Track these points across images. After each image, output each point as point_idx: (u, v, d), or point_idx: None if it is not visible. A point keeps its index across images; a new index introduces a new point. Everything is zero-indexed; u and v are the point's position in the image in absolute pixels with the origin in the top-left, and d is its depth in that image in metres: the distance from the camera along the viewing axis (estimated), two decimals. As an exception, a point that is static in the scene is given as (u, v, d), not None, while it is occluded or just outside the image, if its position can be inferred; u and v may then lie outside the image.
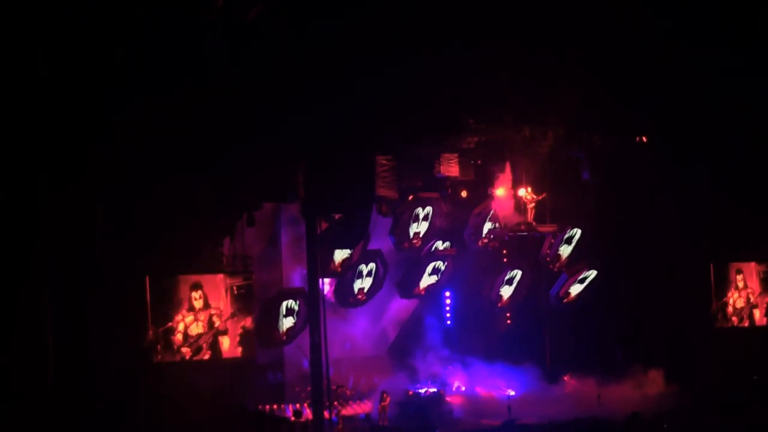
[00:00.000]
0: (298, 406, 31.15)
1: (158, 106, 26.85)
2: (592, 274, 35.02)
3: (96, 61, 25.98)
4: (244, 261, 30.85)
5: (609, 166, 33.78)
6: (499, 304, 35.37)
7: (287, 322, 31.17)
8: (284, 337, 31.30)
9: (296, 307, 31.04)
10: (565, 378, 34.40)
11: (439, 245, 34.52)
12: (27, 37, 25.57)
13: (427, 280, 34.23)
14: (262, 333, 30.84)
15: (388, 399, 30.44)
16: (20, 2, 25.35)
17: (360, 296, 33.11)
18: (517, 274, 35.26)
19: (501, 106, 30.64)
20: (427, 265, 34.08)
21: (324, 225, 30.11)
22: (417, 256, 34.37)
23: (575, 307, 35.27)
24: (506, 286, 35.28)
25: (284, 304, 31.06)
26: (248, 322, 29.84)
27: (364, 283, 32.98)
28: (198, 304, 29.41)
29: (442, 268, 34.15)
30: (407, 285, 34.32)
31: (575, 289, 35.18)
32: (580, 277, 34.97)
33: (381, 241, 33.83)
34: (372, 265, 32.96)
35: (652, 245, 35.04)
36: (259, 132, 28.00)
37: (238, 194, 29.38)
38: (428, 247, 34.30)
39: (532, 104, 30.53)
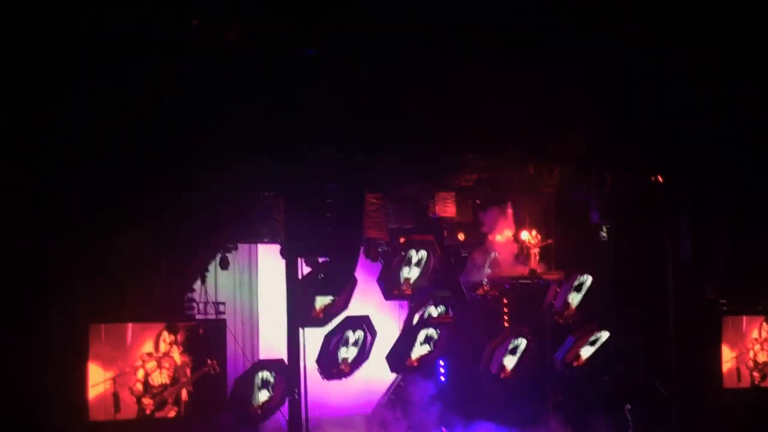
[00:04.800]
0: None
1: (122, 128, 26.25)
2: (604, 335, 34.00)
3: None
4: (216, 307, 30.02)
5: (621, 208, 33.01)
6: (502, 375, 33.86)
7: (262, 396, 29.69)
8: (260, 411, 29.91)
9: (272, 379, 29.64)
10: None
11: (432, 311, 33.34)
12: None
13: (419, 350, 32.75)
14: (236, 408, 29.63)
15: None
16: None
17: (344, 367, 31.68)
18: (522, 343, 33.77)
19: (503, 141, 29.78)
20: (419, 332, 32.71)
21: (306, 269, 29.82)
22: (407, 326, 33.29)
23: (585, 371, 34.35)
24: (509, 356, 33.83)
25: (259, 375, 29.70)
26: (215, 365, 28.75)
27: (348, 353, 31.58)
28: (164, 347, 28.46)
29: (436, 336, 32.69)
30: (397, 357, 32.85)
31: (586, 352, 34.16)
32: (591, 339, 34.00)
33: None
34: (359, 333, 31.62)
35: (664, 295, 34.04)
36: (236, 171, 27.34)
37: (210, 235, 28.80)
38: (421, 314, 33.30)
39: (538, 138, 29.83)
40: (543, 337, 34.75)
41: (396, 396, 34.30)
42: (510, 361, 33.93)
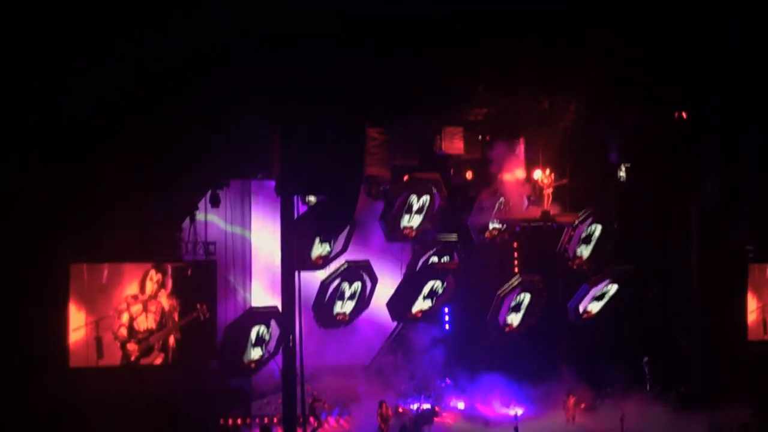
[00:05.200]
0: (266, 420, 30.18)
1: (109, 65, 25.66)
2: (613, 289, 33.43)
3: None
4: (206, 248, 29.29)
5: (641, 146, 32.04)
6: (507, 330, 33.34)
7: (255, 353, 29.39)
8: (252, 366, 29.57)
9: (267, 337, 29.30)
10: (575, 398, 32.24)
11: (436, 259, 32.68)
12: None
13: (421, 304, 32.26)
14: (226, 358, 29.24)
15: (389, 409, 29.14)
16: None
17: (340, 318, 31.25)
18: (525, 298, 33.26)
19: (516, 71, 28.96)
20: (424, 285, 32.09)
21: (302, 207, 29.17)
22: (411, 271, 32.57)
23: (595, 323, 33.69)
24: (513, 314, 33.33)
25: (254, 330, 29.26)
26: (204, 309, 28.38)
27: (345, 307, 31.12)
28: (150, 288, 28.04)
29: (440, 291, 32.13)
30: (399, 306, 32.35)
31: (595, 306, 33.61)
32: (599, 292, 33.37)
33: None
34: (357, 285, 31.08)
35: (687, 241, 33.42)
36: (227, 94, 26.47)
37: (201, 168, 27.99)
38: (424, 259, 32.59)
39: (553, 69, 28.97)
40: (555, 284, 34.07)
41: (397, 344, 33.39)
42: (515, 318, 33.41)
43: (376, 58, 26.37)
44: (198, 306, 28.24)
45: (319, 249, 30.40)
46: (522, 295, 33.28)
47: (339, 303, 31.04)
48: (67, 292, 27.11)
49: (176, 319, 28.08)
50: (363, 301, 31.46)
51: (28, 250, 26.26)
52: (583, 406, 31.82)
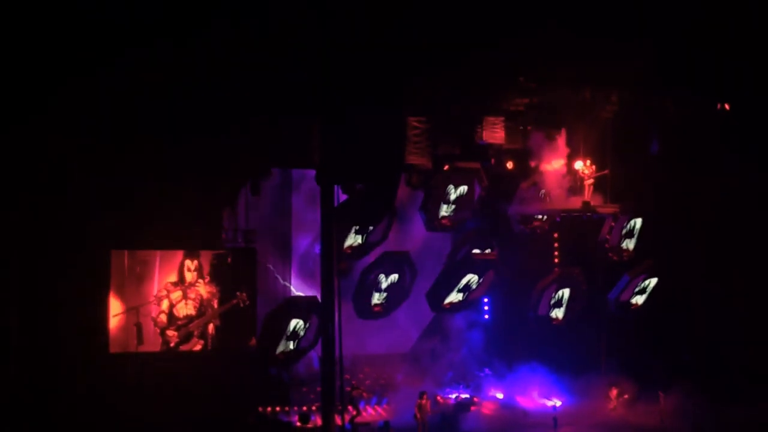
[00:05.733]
0: (305, 409, 30.15)
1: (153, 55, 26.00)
2: (653, 282, 33.42)
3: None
4: (246, 236, 29.62)
5: (684, 138, 31.79)
6: (554, 322, 33.41)
7: (288, 345, 29.51)
8: (281, 357, 29.70)
9: (302, 332, 29.42)
10: (617, 389, 32.29)
11: (477, 250, 32.69)
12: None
13: (453, 297, 32.33)
14: (261, 349, 29.42)
15: (428, 402, 28.83)
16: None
17: (377, 309, 31.41)
18: (564, 293, 33.33)
19: (558, 61, 28.68)
20: (462, 277, 32.09)
21: (343, 196, 28.48)
22: (451, 261, 32.69)
23: (641, 315, 33.67)
24: (556, 309, 33.35)
25: (292, 323, 29.37)
26: (244, 297, 28.64)
27: (380, 298, 31.24)
28: (190, 276, 28.36)
29: (474, 285, 32.18)
30: (436, 298, 32.44)
31: (639, 299, 33.62)
32: (640, 287, 33.36)
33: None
34: (394, 276, 31.13)
35: (725, 233, 33.33)
36: (268, 84, 27.01)
37: (242, 158, 28.29)
38: (463, 250, 32.75)
39: (596, 60, 28.64)
40: (595, 275, 33.94)
41: (435, 333, 33.54)
42: (558, 313, 33.39)
43: (418, 49, 26.40)
44: (238, 293, 28.46)
45: (351, 239, 30.45)
46: (561, 291, 33.36)
47: (376, 294, 31.14)
48: (108, 278, 27.43)
49: (215, 306, 28.37)
50: (402, 292, 31.53)
51: (70, 236, 26.58)
52: (626, 397, 31.72)
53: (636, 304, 33.45)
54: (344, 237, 30.10)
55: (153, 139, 26.73)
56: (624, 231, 33.33)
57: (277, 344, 29.29)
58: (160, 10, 25.24)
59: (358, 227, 30.13)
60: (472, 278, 31.97)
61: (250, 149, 27.87)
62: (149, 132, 26.63)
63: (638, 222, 33.34)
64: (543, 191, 32.59)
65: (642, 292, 33.42)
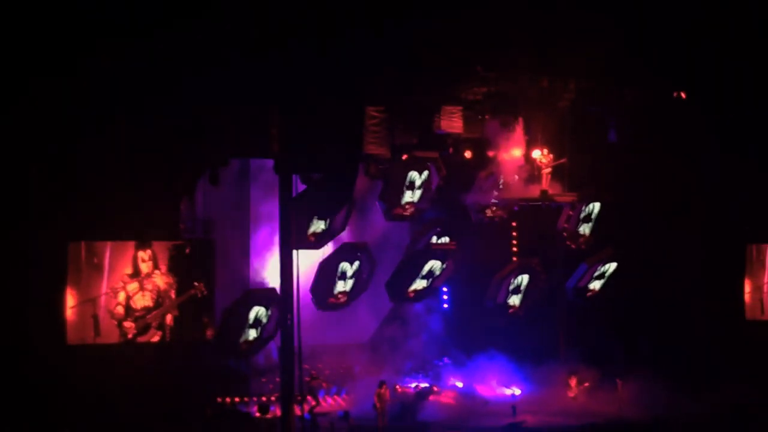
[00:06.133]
0: (264, 399, 30.33)
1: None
2: (612, 267, 33.76)
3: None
4: (204, 226, 29.88)
5: (640, 126, 32.35)
6: (510, 311, 33.72)
7: (251, 334, 29.58)
8: (244, 347, 29.75)
9: (264, 319, 29.54)
10: (577, 377, 32.72)
11: (435, 239, 33.15)
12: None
13: (418, 284, 32.56)
14: (222, 341, 29.46)
15: (387, 391, 29.03)
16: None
17: (341, 298, 31.47)
18: (523, 280, 33.64)
19: (515, 51, 29.29)
20: (423, 264, 32.33)
21: (301, 186, 28.95)
22: (411, 251, 33.06)
23: (599, 301, 34.05)
24: (514, 296, 33.73)
25: (253, 311, 29.46)
26: (201, 287, 28.70)
27: (346, 286, 31.35)
28: (145, 267, 28.42)
29: (438, 272, 32.44)
30: (398, 286, 32.69)
31: (597, 285, 33.98)
32: (599, 272, 33.72)
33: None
34: (356, 265, 31.30)
35: (683, 221, 33.98)
36: (227, 74, 27.00)
37: (201, 147, 28.36)
38: (423, 240, 33.17)
39: (553, 50, 29.32)
40: (554, 264, 34.38)
41: (394, 323, 33.66)
42: (515, 300, 33.67)
43: (375, 37, 26.64)
44: (195, 284, 28.50)
45: (314, 226, 30.49)
46: (520, 277, 33.61)
47: (340, 283, 31.21)
48: (65, 270, 27.44)
49: (173, 297, 28.40)
50: (361, 282, 31.68)
51: (27, 229, 26.66)
52: (586, 385, 32.18)
53: (593, 289, 33.74)
54: (307, 225, 30.07)
55: (110, 129, 26.82)
56: (582, 215, 33.65)
57: (240, 334, 29.33)
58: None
59: (318, 215, 30.23)
60: (435, 264, 32.21)
61: (209, 139, 27.84)
62: (109, 125, 26.74)
63: (596, 207, 33.62)
64: (501, 180, 32.79)
65: (600, 277, 33.74)
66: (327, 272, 31.03)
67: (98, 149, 27.04)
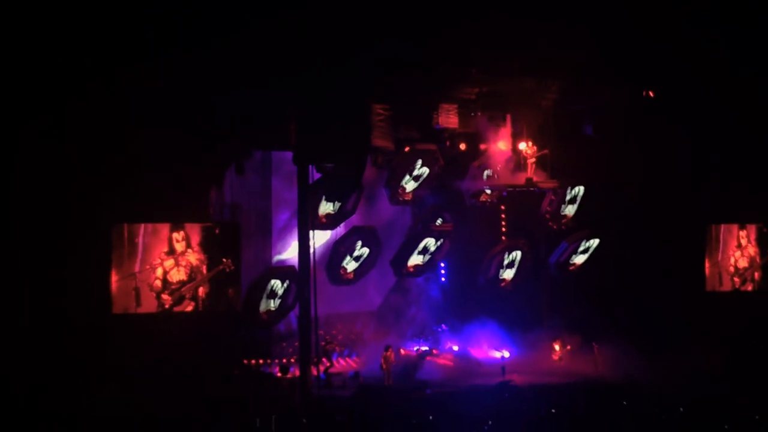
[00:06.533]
0: (284, 361, 31.70)
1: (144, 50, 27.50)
2: (595, 243, 35.61)
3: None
4: (232, 211, 31.44)
5: (615, 122, 33.63)
6: (502, 285, 35.65)
7: (269, 304, 31.28)
8: (265, 317, 31.47)
9: (280, 291, 31.18)
10: (561, 342, 34.58)
11: (436, 221, 34.91)
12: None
13: (415, 259, 34.41)
14: (245, 313, 31.21)
15: (393, 354, 30.56)
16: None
17: (349, 276, 33.34)
18: (518, 255, 35.45)
19: (505, 56, 30.45)
20: (419, 242, 34.23)
21: (317, 175, 30.31)
22: (412, 232, 34.83)
23: (579, 275, 35.86)
24: (507, 270, 35.52)
25: (270, 284, 31.16)
26: (229, 263, 30.27)
27: (353, 265, 33.25)
28: (179, 246, 29.99)
29: (432, 248, 34.28)
30: (398, 263, 34.52)
31: (579, 259, 35.86)
32: (583, 247, 35.62)
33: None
34: (365, 250, 33.13)
35: (653, 205, 35.27)
36: (251, 77, 28.33)
37: (227, 141, 29.80)
38: (423, 222, 34.90)
39: (538, 54, 30.36)
40: (538, 243, 36.19)
41: (399, 294, 35.58)
42: (509, 273, 35.45)
43: (383, 45, 27.95)
44: (223, 260, 30.10)
45: (324, 207, 32.12)
46: (514, 253, 35.33)
47: (352, 263, 32.89)
48: (110, 249, 29.26)
49: (204, 272, 30.05)
50: (369, 261, 33.33)
51: (78, 213, 28.34)
52: (569, 348, 33.75)
53: (575, 264, 35.64)
54: (318, 205, 31.83)
55: (150, 129, 28.29)
56: (567, 198, 35.40)
57: (259, 304, 31.06)
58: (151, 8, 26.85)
59: (327, 198, 31.92)
60: (429, 241, 34.05)
61: (235, 134, 29.44)
62: (148, 123, 28.16)
63: (581, 190, 35.43)
64: (492, 169, 34.56)
65: (585, 252, 35.50)
66: (339, 251, 32.90)
67: (138, 147, 28.45)
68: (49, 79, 27.28)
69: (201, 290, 30.24)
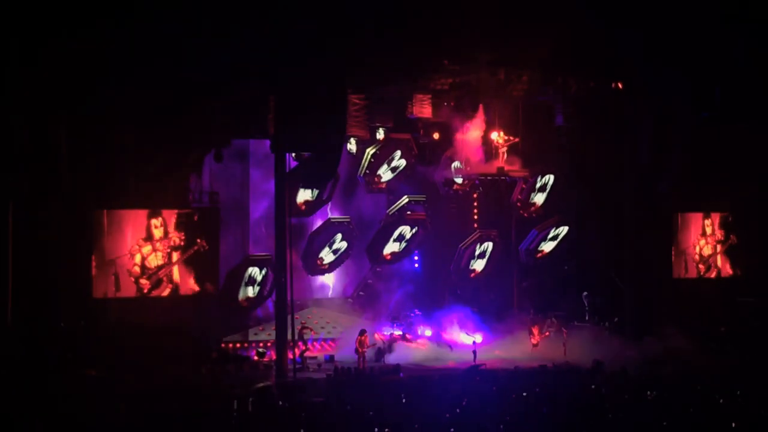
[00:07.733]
0: (261, 345, 31.78)
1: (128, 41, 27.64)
2: (564, 230, 36.00)
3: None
4: (211, 197, 31.57)
5: (584, 112, 34.07)
6: (472, 276, 36.02)
7: (248, 291, 31.75)
8: (245, 304, 31.94)
9: (258, 277, 31.60)
10: (538, 328, 34.42)
11: (408, 211, 35.11)
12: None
13: (391, 247, 34.76)
14: (224, 300, 31.59)
15: (367, 338, 30.81)
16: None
17: (324, 267, 33.85)
18: (489, 246, 35.81)
19: (476, 47, 30.74)
20: (394, 230, 34.58)
21: (293, 163, 31.20)
22: (386, 220, 35.05)
23: (548, 261, 36.30)
24: (479, 260, 35.89)
25: (248, 271, 31.55)
26: (203, 243, 30.59)
27: (330, 257, 33.69)
28: (158, 233, 30.30)
29: (408, 235, 34.64)
30: (374, 251, 34.89)
31: (548, 246, 36.25)
32: (552, 234, 36.00)
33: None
34: (343, 244, 33.58)
35: (621, 194, 35.59)
36: (229, 68, 28.47)
37: (207, 130, 29.99)
38: (397, 210, 35.09)
39: (509, 46, 30.76)
40: (509, 230, 36.53)
41: (374, 280, 35.70)
42: (479, 264, 35.85)
43: (359, 37, 28.23)
44: (198, 240, 30.46)
45: (303, 194, 32.49)
46: (486, 244, 35.60)
47: (325, 250, 33.24)
48: (91, 234, 29.43)
49: (180, 254, 30.38)
50: (345, 255, 33.73)
51: (58, 200, 28.45)
52: (546, 334, 33.68)
53: (543, 251, 36.03)
54: (296, 193, 32.20)
55: (131, 118, 28.50)
56: (537, 186, 35.67)
57: (238, 291, 31.49)
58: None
59: (305, 186, 32.24)
60: (404, 229, 34.45)
61: (213, 122, 29.59)
62: (129, 107, 28.27)
63: (551, 178, 35.75)
64: (464, 158, 34.88)
65: (554, 239, 35.89)
66: (315, 242, 33.24)
67: (118, 135, 28.69)
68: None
69: (177, 274, 30.50)
